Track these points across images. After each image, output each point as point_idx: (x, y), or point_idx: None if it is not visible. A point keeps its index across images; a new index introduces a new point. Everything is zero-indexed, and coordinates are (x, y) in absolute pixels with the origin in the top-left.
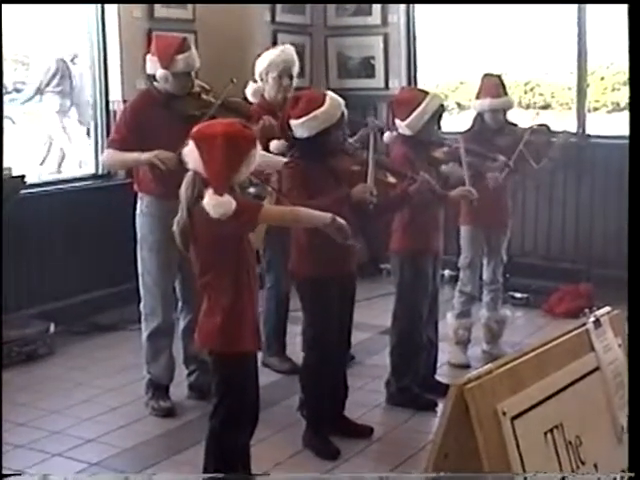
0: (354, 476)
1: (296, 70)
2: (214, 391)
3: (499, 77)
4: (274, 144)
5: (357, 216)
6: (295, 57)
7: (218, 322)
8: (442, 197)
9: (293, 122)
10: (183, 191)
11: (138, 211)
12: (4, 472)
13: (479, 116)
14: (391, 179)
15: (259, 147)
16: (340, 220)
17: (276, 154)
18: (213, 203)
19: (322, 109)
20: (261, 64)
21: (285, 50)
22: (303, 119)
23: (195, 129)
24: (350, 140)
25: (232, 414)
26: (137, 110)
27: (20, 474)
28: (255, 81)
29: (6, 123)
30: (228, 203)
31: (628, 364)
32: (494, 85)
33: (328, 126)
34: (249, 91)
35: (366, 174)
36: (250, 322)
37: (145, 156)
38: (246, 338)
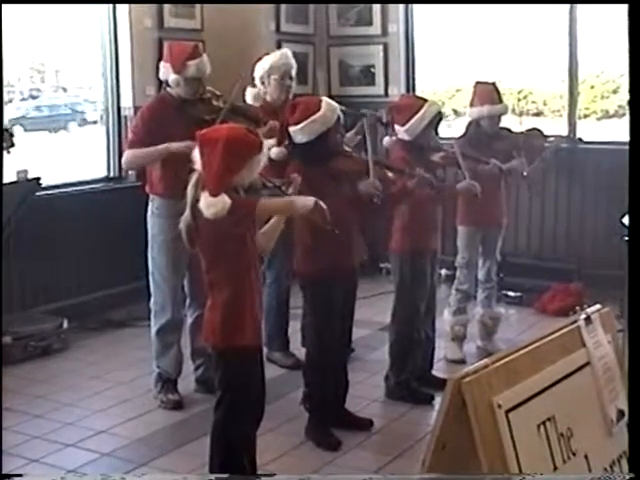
0: (352, 477)
1: (294, 71)
2: (217, 384)
3: (494, 84)
4: (274, 151)
5: (358, 215)
6: (293, 59)
7: (219, 317)
8: (443, 191)
9: (292, 128)
10: (188, 190)
11: (149, 212)
12: (11, 469)
13: (474, 122)
14: (390, 175)
15: (265, 152)
16: (321, 203)
17: (276, 160)
18: (206, 203)
19: (319, 114)
20: (262, 68)
21: (284, 54)
22: (302, 124)
23: (201, 132)
24: (349, 134)
25: (235, 407)
26: (153, 113)
27: (21, 475)
28: (254, 86)
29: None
30: (220, 203)
31: (628, 364)
32: (490, 92)
33: (326, 130)
34: (249, 96)
35: (367, 172)
36: (251, 318)
37: (176, 145)
38: (246, 333)
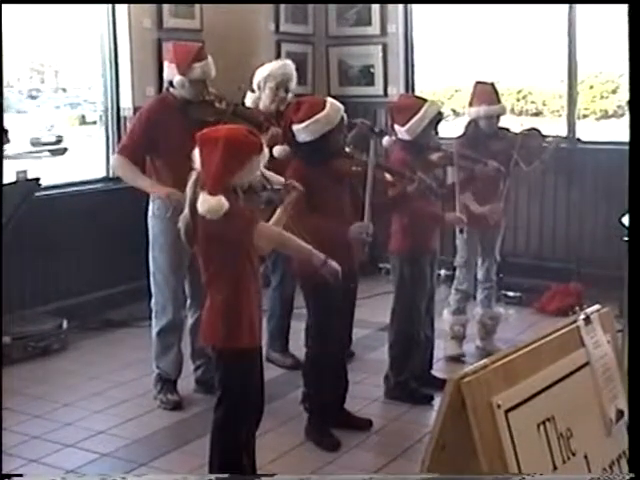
0: (352, 477)
1: (293, 85)
2: (217, 384)
3: (492, 85)
4: (277, 149)
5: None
6: (294, 72)
7: (217, 318)
8: (443, 197)
9: (296, 127)
10: (187, 189)
11: (150, 213)
12: (10, 469)
13: (473, 122)
14: (390, 178)
15: (265, 153)
16: (332, 264)
17: (279, 158)
18: (201, 201)
19: (323, 113)
20: (261, 74)
21: (285, 64)
22: (306, 123)
23: (202, 132)
24: None
25: (235, 406)
26: (152, 114)
27: (21, 475)
28: (253, 91)
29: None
30: (216, 202)
31: (628, 364)
32: (488, 92)
33: (329, 129)
34: (249, 101)
35: (365, 176)
36: (248, 319)
37: (158, 192)
38: (244, 335)
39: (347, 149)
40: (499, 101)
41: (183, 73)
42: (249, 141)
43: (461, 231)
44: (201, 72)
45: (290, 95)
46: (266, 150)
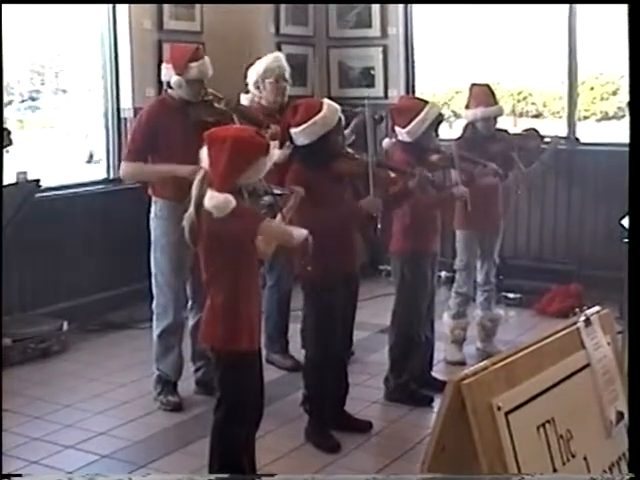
0: (348, 477)
1: (288, 74)
2: (217, 385)
3: (488, 86)
4: (275, 152)
5: (359, 218)
6: (286, 62)
7: (216, 320)
8: (444, 191)
9: (293, 130)
10: (194, 188)
11: (152, 214)
12: (10, 470)
13: (471, 124)
14: (392, 175)
15: (271, 155)
16: (310, 240)
17: (278, 162)
18: (209, 197)
19: (320, 115)
20: (256, 72)
21: (278, 56)
22: (303, 126)
23: (210, 131)
24: (345, 131)
25: (234, 408)
26: (152, 116)
27: (20, 475)
28: (247, 92)
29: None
30: (224, 199)
31: (628, 365)
32: (485, 94)
33: (327, 131)
34: (244, 102)
35: (366, 176)
36: (247, 323)
37: (181, 171)
38: (242, 338)
39: (348, 149)
40: (496, 102)
41: (180, 73)
42: (257, 142)
43: (465, 205)
44: (198, 72)
45: (289, 86)
46: (272, 152)
